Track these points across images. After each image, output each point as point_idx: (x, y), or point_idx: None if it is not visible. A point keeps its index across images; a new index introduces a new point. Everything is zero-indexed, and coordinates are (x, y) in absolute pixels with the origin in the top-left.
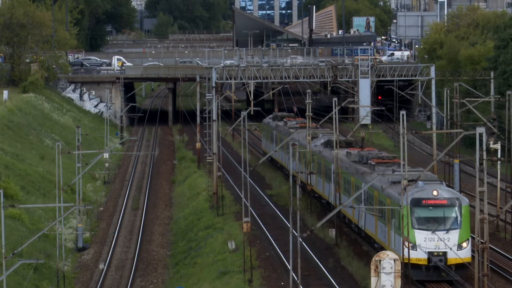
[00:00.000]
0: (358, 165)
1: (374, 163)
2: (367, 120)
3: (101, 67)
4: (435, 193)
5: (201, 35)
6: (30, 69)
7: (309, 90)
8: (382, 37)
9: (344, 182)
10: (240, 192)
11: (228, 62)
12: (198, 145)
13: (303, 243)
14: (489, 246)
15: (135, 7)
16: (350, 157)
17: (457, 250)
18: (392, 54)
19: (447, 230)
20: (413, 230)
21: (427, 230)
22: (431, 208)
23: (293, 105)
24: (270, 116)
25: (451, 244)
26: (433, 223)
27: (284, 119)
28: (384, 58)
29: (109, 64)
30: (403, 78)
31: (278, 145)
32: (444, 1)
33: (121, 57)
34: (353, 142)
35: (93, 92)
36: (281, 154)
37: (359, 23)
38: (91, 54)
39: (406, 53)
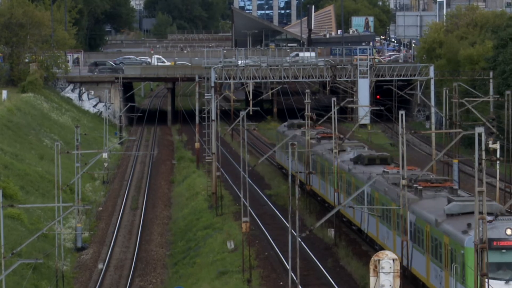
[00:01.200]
0: (400, 188)
1: (421, 187)
2: (366, 120)
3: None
4: (508, 232)
5: (200, 35)
6: (29, 69)
7: (308, 90)
8: (381, 37)
9: (383, 210)
10: (239, 192)
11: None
12: (197, 145)
13: (302, 243)
14: None
15: (134, 7)
16: (388, 178)
17: None
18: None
19: None
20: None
21: (499, 279)
22: (504, 251)
23: (311, 113)
24: (285, 124)
25: None
26: (507, 271)
27: (302, 128)
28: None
29: (149, 63)
30: (402, 78)
31: (299, 158)
32: (443, 1)
33: (160, 56)
34: (389, 158)
35: (92, 92)
36: (300, 168)
37: (358, 23)
38: (90, 54)
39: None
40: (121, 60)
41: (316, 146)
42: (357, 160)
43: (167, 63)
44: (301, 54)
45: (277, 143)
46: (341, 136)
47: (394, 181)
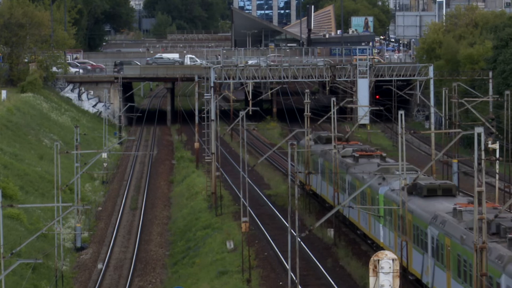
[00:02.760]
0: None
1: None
2: (365, 120)
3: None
4: None
5: (199, 35)
6: (28, 69)
7: (307, 90)
8: (381, 37)
9: (459, 260)
10: (238, 192)
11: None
12: (196, 145)
13: (301, 243)
14: None
15: (134, 7)
16: (460, 219)
17: None
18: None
19: None
20: None
21: None
22: None
23: (334, 126)
24: (310, 136)
25: None
26: None
27: (335, 144)
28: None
29: (182, 63)
30: (401, 78)
31: (329, 180)
32: (442, 1)
33: (193, 56)
34: (453, 188)
35: (92, 92)
36: (330, 191)
37: (357, 23)
38: (90, 54)
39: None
40: (154, 60)
41: (353, 167)
42: (413, 190)
43: (199, 62)
44: (165, 55)
45: (299, 160)
46: (383, 154)
47: (470, 225)
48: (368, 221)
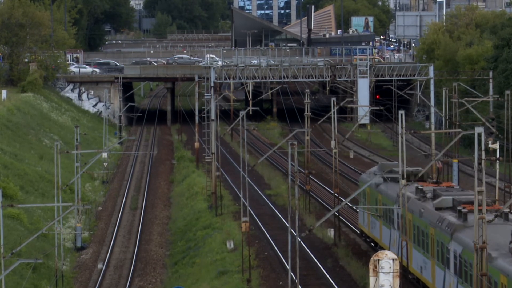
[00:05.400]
0: None
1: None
2: (365, 120)
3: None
4: None
5: (199, 35)
6: (28, 69)
7: (307, 90)
8: (381, 36)
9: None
10: (238, 191)
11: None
12: (196, 144)
13: (301, 242)
14: None
15: (134, 6)
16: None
17: None
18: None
19: None
20: None
21: None
22: None
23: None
24: (375, 170)
25: None
26: None
27: (418, 186)
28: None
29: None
30: (401, 78)
31: (417, 243)
32: (442, 1)
33: (214, 56)
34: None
35: (92, 92)
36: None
37: (357, 22)
38: (90, 54)
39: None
40: (175, 59)
41: (463, 231)
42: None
43: (220, 63)
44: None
45: (362, 199)
46: (506, 210)
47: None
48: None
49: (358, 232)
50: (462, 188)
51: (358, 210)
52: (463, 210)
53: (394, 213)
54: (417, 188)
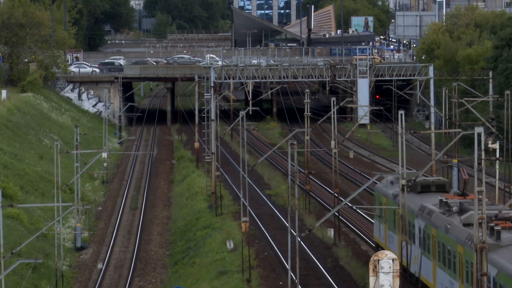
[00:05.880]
0: None
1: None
2: (365, 120)
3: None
4: None
5: (199, 35)
6: (28, 69)
7: (307, 90)
8: (381, 36)
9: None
10: (238, 191)
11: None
12: (196, 144)
13: (301, 242)
14: None
15: (134, 6)
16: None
17: None
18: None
19: None
20: None
21: None
22: None
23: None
24: (391, 179)
25: None
26: None
27: (443, 198)
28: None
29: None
30: (401, 78)
31: (442, 261)
32: (442, 1)
33: (214, 56)
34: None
35: (92, 92)
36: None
37: (357, 22)
38: (90, 54)
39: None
40: (175, 59)
41: (496, 252)
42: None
43: (220, 63)
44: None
45: (378, 213)
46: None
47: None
48: None
49: (374, 245)
50: (491, 202)
51: (373, 221)
52: (496, 227)
53: (415, 228)
54: (441, 200)
